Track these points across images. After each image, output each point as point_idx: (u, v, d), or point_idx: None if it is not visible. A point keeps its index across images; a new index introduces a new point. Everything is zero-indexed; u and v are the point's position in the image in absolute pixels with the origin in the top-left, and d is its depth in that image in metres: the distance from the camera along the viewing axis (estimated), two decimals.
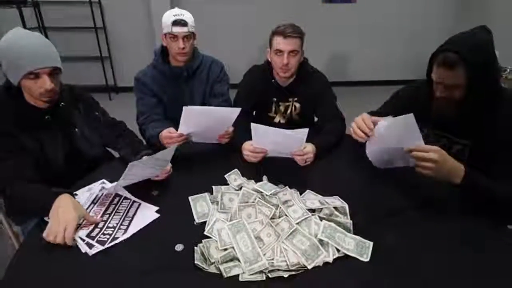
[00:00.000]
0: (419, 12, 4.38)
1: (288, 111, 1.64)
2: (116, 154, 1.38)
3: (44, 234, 0.85)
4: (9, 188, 1.02)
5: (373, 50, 4.57)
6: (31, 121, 1.12)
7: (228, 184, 1.11)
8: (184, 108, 1.16)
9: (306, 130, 1.12)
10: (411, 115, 0.93)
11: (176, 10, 1.48)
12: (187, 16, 1.47)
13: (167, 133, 1.30)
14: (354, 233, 0.89)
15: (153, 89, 1.55)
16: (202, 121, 1.23)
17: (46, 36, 3.49)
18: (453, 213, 0.99)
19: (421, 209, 1.00)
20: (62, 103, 1.19)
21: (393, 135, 1.05)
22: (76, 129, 1.25)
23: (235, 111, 1.23)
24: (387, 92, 1.45)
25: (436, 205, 1.02)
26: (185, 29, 1.45)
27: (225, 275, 0.78)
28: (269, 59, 1.55)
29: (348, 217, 0.96)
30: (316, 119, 1.71)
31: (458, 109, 1.05)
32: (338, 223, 0.91)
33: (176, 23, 1.44)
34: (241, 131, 1.33)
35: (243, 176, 1.15)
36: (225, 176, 1.14)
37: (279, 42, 1.42)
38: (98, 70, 4.14)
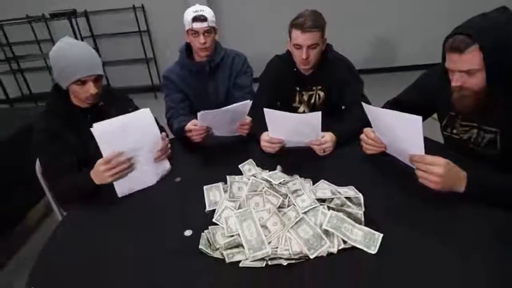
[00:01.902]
0: None
1: (312, 100, 1.60)
2: None
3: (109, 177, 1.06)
4: (57, 188, 1.21)
5: (413, 33, 4.18)
6: (76, 120, 1.26)
7: (242, 174, 1.13)
8: (198, 114, 1.21)
9: (319, 113, 1.09)
10: (420, 118, 0.87)
11: (197, 7, 1.52)
12: (206, 11, 1.50)
13: (191, 125, 1.35)
14: (365, 224, 0.85)
15: (178, 85, 1.63)
16: (217, 120, 1.28)
17: (95, 43, 3.84)
18: (469, 210, 0.88)
19: (438, 206, 0.91)
20: (101, 103, 1.32)
21: (396, 126, 0.99)
22: None
23: (247, 105, 1.25)
24: None
25: (454, 201, 0.90)
26: (205, 25, 1.49)
27: (227, 260, 0.80)
28: (290, 50, 1.52)
29: (362, 207, 0.92)
30: (343, 107, 1.64)
31: (477, 99, 0.95)
32: (349, 214, 0.88)
33: (196, 19, 1.48)
34: (261, 121, 1.33)
35: (258, 166, 1.16)
36: (239, 166, 1.16)
37: (298, 37, 1.37)
38: (144, 71, 4.44)
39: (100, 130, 1.05)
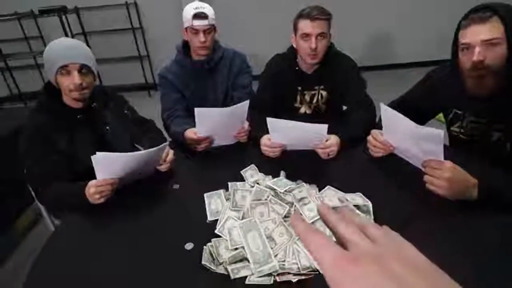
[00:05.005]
0: None
1: (314, 100, 1.55)
2: None
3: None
4: (42, 193, 1.13)
5: (416, 29, 4.17)
6: (66, 121, 1.20)
7: (244, 180, 1.08)
8: (196, 109, 1.16)
9: (326, 126, 1.04)
10: (441, 132, 0.85)
11: (197, 3, 1.46)
12: (207, 9, 1.44)
13: (192, 134, 1.28)
14: None
15: (176, 84, 1.56)
16: (215, 120, 1.22)
17: (86, 40, 3.73)
18: (486, 218, 0.84)
19: (452, 213, 0.87)
20: (94, 104, 1.25)
21: (415, 136, 0.96)
22: (107, 127, 1.30)
23: (244, 105, 1.20)
24: None
25: (468, 208, 0.86)
26: (205, 22, 1.43)
27: (232, 276, 0.75)
28: (294, 45, 1.46)
29: (371, 216, 0.87)
30: (344, 107, 1.59)
31: (495, 82, 0.92)
32: None
33: (197, 16, 1.42)
34: (261, 124, 1.28)
35: (260, 171, 1.11)
36: (241, 172, 1.10)
37: (306, 26, 1.33)
38: (138, 69, 4.34)
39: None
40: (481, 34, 0.89)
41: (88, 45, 3.86)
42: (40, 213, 1.40)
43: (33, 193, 1.31)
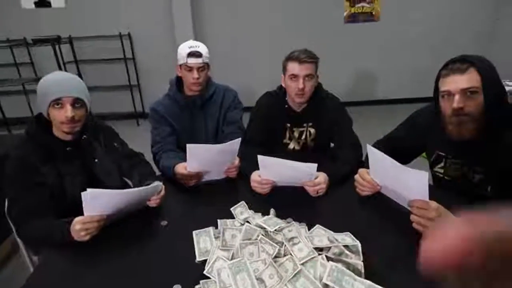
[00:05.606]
0: (444, 27, 4.23)
1: (303, 137, 1.60)
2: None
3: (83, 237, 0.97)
4: (23, 228, 1.10)
5: (397, 67, 4.44)
6: (55, 152, 1.18)
7: (233, 217, 1.07)
8: (187, 146, 1.18)
9: (315, 165, 1.08)
10: (426, 173, 0.89)
11: (191, 42, 1.52)
12: (201, 47, 1.51)
13: (183, 169, 1.28)
14: (366, 276, 0.81)
15: (167, 118, 1.59)
16: (206, 157, 1.24)
17: (79, 69, 3.76)
18: None
19: None
20: (85, 136, 1.25)
21: (400, 177, 1.00)
22: (96, 160, 1.29)
23: (236, 143, 1.23)
24: (414, 109, 1.38)
25: None
26: (199, 60, 1.49)
27: None
28: (283, 85, 1.54)
29: (361, 257, 0.88)
30: (332, 144, 1.65)
31: (475, 128, 0.99)
32: (348, 264, 0.84)
33: (191, 54, 1.48)
34: (251, 160, 1.31)
35: (250, 208, 1.11)
36: (231, 209, 1.10)
37: (294, 68, 1.41)
38: (127, 97, 4.37)
39: None
40: (460, 83, 0.97)
41: (79, 72, 3.91)
42: (18, 246, 1.33)
43: (13, 227, 1.26)
